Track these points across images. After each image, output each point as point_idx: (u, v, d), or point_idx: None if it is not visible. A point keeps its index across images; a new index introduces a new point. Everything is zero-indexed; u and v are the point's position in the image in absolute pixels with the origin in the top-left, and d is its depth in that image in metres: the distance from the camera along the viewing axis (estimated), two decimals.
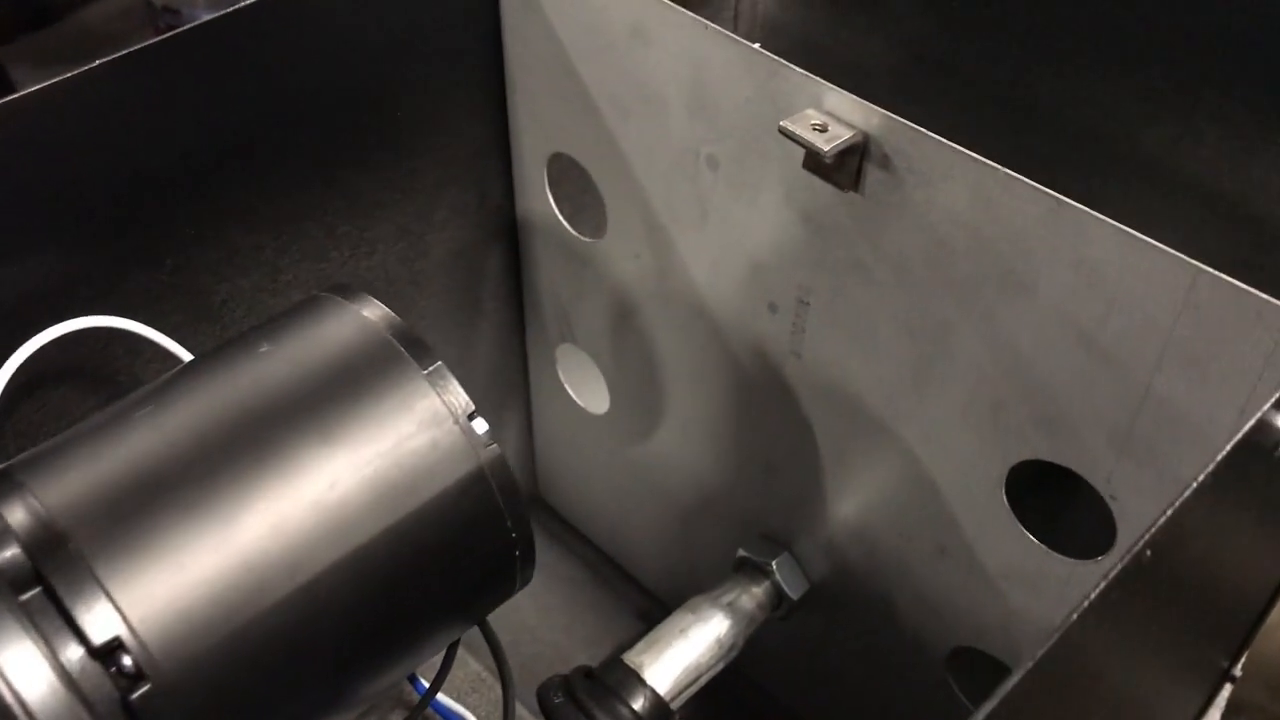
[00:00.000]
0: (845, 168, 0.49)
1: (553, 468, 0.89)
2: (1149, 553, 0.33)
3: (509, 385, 0.83)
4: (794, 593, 0.68)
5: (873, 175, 0.49)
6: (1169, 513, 0.33)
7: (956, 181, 0.46)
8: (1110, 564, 0.33)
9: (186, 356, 0.55)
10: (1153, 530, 0.33)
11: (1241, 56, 0.59)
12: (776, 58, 0.50)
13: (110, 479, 0.41)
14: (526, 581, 0.51)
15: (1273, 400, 0.37)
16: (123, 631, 0.38)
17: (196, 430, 0.43)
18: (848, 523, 0.63)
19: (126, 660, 0.38)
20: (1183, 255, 0.41)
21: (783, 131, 0.48)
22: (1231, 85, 0.60)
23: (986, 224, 0.46)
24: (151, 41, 0.54)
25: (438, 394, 0.46)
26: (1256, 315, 0.40)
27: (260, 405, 0.44)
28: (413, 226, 0.68)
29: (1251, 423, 0.36)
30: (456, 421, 0.46)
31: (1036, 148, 0.70)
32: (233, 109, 0.56)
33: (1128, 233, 0.42)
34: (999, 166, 0.44)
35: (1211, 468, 0.34)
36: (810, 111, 0.49)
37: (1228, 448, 0.34)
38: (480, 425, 0.46)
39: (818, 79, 0.49)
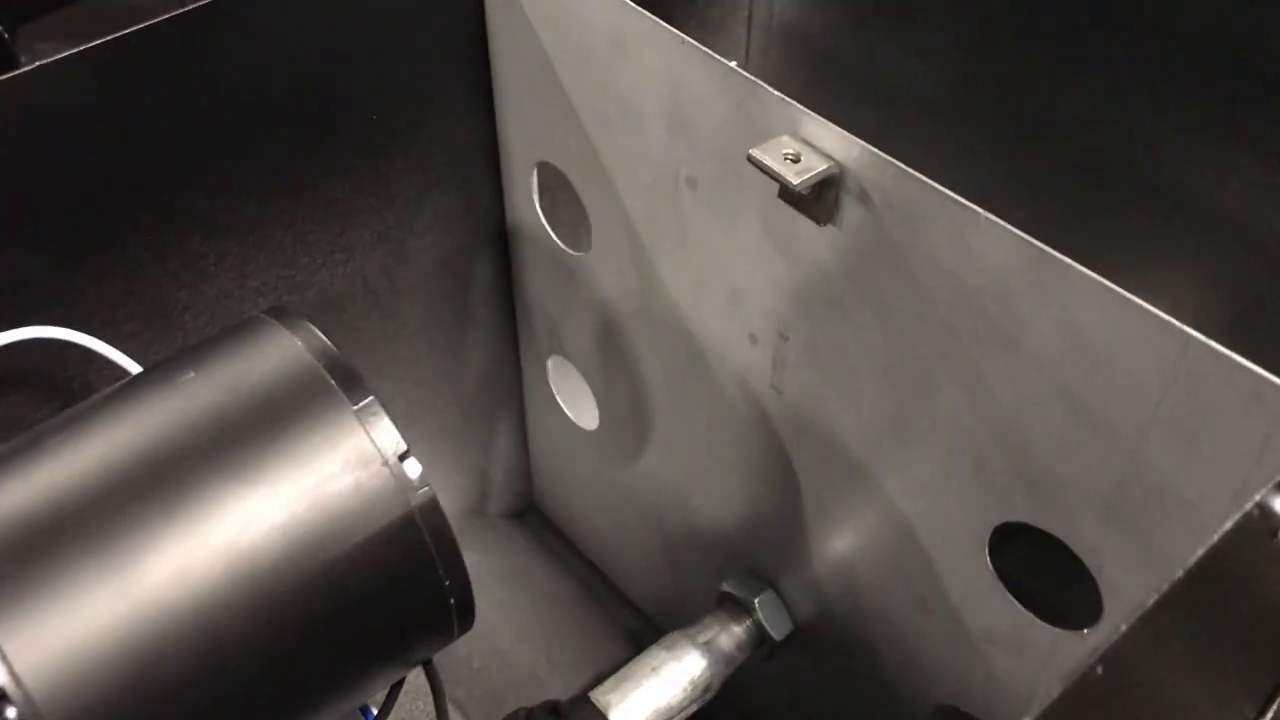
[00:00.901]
0: (822, 201, 0.45)
1: (549, 478, 0.86)
2: (1100, 669, 0.30)
3: (503, 393, 0.80)
4: (777, 633, 0.64)
5: (850, 210, 0.45)
6: (1124, 628, 0.29)
7: (937, 224, 0.42)
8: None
9: (134, 367, 0.53)
10: (1104, 650, 0.29)
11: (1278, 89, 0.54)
12: (753, 78, 0.46)
13: (8, 515, 0.39)
14: (467, 628, 0.48)
15: (1266, 489, 0.33)
16: (5, 680, 0.36)
17: (106, 464, 0.41)
18: (831, 566, 0.60)
19: (10, 712, 0.36)
20: (1173, 320, 0.37)
21: (751, 160, 0.44)
22: (1267, 117, 0.55)
23: (968, 270, 0.42)
24: (110, 38, 0.51)
25: (367, 432, 0.43)
26: (1254, 394, 0.35)
27: (175, 439, 0.42)
28: (393, 233, 0.65)
29: (1235, 519, 0.32)
30: (385, 463, 0.43)
31: (1063, 172, 0.66)
32: (193, 109, 0.54)
33: (1114, 290, 0.38)
34: (981, 211, 0.40)
35: (1181, 574, 0.31)
36: (785, 138, 0.45)
37: (1197, 554, 0.30)
38: (413, 468, 0.43)
39: (794, 103, 0.45)
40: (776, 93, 0.45)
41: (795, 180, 0.43)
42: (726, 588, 0.66)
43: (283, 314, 0.46)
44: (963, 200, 0.41)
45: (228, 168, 0.56)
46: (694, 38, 0.74)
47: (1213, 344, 0.36)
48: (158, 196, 0.54)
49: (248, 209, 0.58)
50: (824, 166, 0.44)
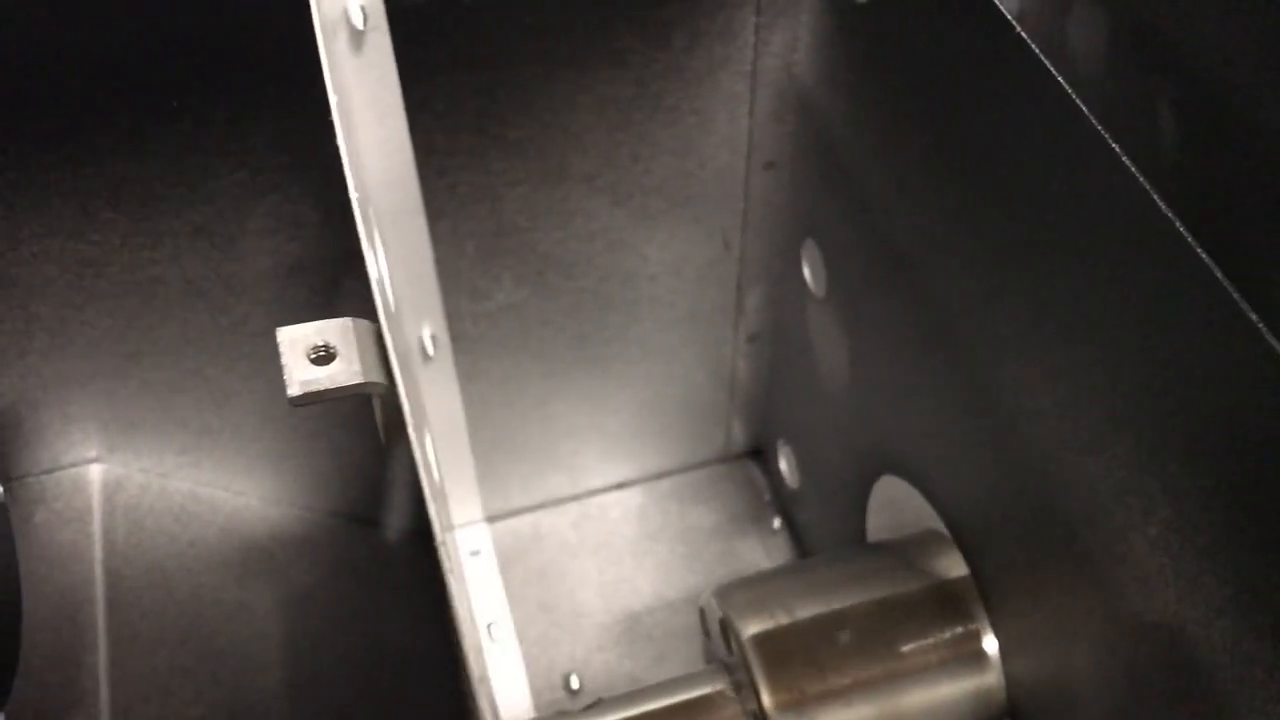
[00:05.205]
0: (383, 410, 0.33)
1: None
2: None
3: None
4: None
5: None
6: None
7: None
8: None
9: None
10: None
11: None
12: (360, 225, 0.34)
13: None
14: None
15: None
16: None
17: None
18: None
19: None
20: None
21: (279, 335, 0.33)
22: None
23: None
24: None
25: None
26: None
27: None
28: (215, 228, 0.57)
29: None
30: None
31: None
32: None
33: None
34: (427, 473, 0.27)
35: None
36: (350, 324, 0.33)
37: None
38: None
39: (376, 280, 0.32)
40: (366, 245, 0.33)
41: (291, 389, 0.31)
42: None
43: None
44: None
45: None
46: (664, 90, 0.60)
47: None
48: None
49: (7, 174, 0.51)
50: (343, 385, 0.31)
